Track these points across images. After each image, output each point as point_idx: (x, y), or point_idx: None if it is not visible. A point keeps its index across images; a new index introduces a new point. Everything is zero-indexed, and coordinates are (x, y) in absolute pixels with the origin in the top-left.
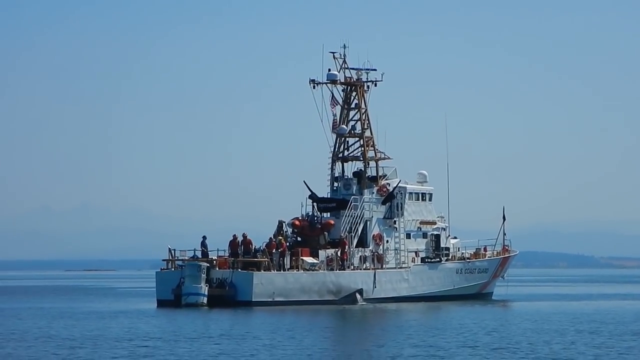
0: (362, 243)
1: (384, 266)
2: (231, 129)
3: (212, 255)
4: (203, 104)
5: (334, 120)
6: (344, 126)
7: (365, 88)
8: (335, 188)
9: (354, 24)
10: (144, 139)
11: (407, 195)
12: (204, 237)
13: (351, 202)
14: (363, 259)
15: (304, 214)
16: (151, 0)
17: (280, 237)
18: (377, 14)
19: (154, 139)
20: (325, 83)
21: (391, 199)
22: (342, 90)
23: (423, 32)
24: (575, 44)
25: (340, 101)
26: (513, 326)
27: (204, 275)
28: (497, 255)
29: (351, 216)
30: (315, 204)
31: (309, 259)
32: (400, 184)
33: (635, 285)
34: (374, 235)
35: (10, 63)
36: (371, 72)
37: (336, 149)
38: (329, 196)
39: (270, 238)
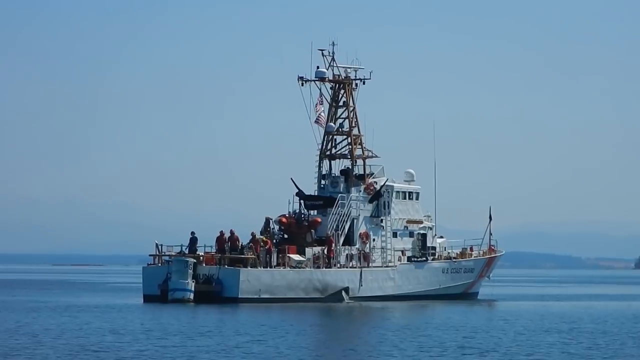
0: (349, 241)
1: (370, 265)
2: (219, 125)
3: (199, 251)
4: (190, 100)
5: (318, 115)
6: (332, 124)
7: (354, 86)
8: (322, 186)
9: (343, 21)
10: (133, 134)
11: (394, 193)
12: (193, 233)
13: (338, 200)
14: (349, 257)
15: (291, 211)
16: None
17: (262, 236)
18: (366, 11)
19: (143, 134)
20: (314, 80)
21: (378, 198)
22: (331, 88)
23: (412, 31)
24: (575, 37)
25: (329, 99)
26: (490, 325)
27: (190, 271)
28: (483, 255)
29: (338, 214)
30: (302, 201)
31: (296, 257)
32: (387, 183)
33: (620, 286)
34: (360, 233)
35: None
36: (359, 70)
37: (324, 147)
38: (316, 194)
39: (253, 233)
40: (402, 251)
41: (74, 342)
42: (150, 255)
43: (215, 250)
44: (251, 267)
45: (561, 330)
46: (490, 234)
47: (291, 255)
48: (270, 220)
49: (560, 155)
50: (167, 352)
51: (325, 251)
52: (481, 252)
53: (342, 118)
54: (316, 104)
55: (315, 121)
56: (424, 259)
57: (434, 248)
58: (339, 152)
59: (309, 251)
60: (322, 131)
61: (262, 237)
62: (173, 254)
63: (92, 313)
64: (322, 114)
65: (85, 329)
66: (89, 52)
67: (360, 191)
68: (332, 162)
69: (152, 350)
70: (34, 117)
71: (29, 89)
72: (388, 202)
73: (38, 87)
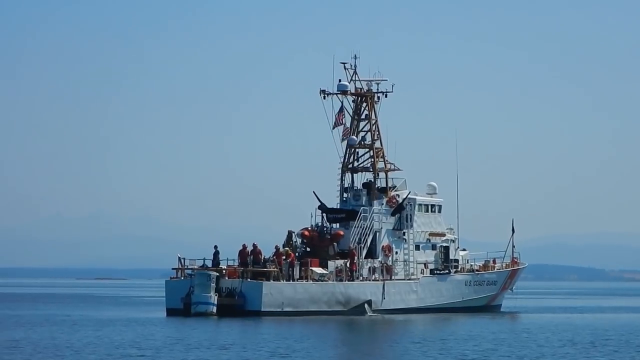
0: (371, 254)
1: (392, 277)
2: (242, 139)
3: (222, 265)
4: (215, 115)
5: (344, 129)
6: (354, 137)
7: (376, 99)
8: (344, 199)
9: (364, 34)
10: (156, 149)
11: (416, 206)
12: (216, 247)
13: (360, 213)
14: (372, 270)
15: (314, 225)
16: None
17: (287, 248)
18: (387, 25)
19: (166, 148)
20: (336, 93)
21: (400, 210)
22: (353, 101)
23: (434, 43)
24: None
25: (351, 112)
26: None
27: (213, 285)
28: (506, 268)
29: (360, 227)
30: (324, 214)
31: (318, 270)
32: (409, 196)
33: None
34: (383, 246)
35: (18, 69)
36: (381, 82)
37: (346, 160)
38: (338, 207)
39: (277, 247)
40: (425, 264)
41: (93, 357)
42: (173, 268)
43: (238, 264)
44: (274, 280)
45: (583, 342)
46: (513, 246)
47: (314, 269)
48: (293, 234)
49: (584, 167)
50: None
51: (348, 264)
52: (504, 265)
53: (364, 131)
54: (337, 116)
55: (342, 139)
56: (447, 271)
57: (456, 260)
58: (361, 165)
59: (331, 264)
60: (345, 144)
61: (286, 249)
62: (196, 267)
63: (114, 327)
64: (346, 128)
65: (108, 343)
66: (111, 72)
67: (382, 204)
68: (354, 175)
69: None
70: (57, 135)
71: (54, 107)
72: (410, 214)
73: (63, 106)
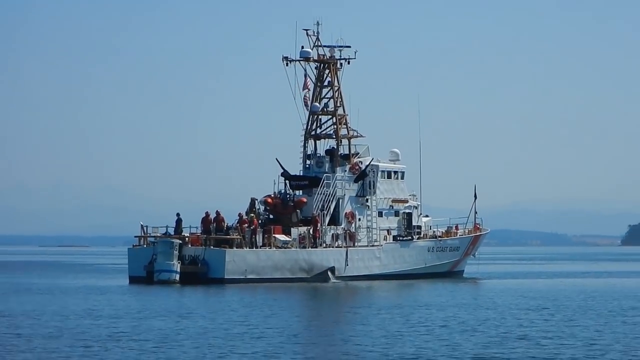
0: (335, 221)
1: (356, 244)
2: (204, 107)
3: (185, 232)
4: (176, 82)
5: (304, 97)
6: (317, 104)
7: (339, 66)
8: (307, 166)
9: (327, 1)
10: (119, 118)
11: (379, 173)
12: (178, 215)
13: (323, 180)
14: (335, 237)
15: (277, 192)
16: None
17: (252, 214)
18: None
19: (128, 118)
20: (299, 60)
21: (363, 177)
22: (315, 68)
23: (396, 10)
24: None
25: (314, 78)
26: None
27: (176, 252)
28: (468, 234)
29: (323, 194)
30: (287, 181)
31: (282, 237)
32: (372, 162)
33: (604, 263)
34: (346, 213)
35: None
36: (344, 49)
37: (309, 127)
38: (301, 174)
39: (240, 214)
40: (388, 230)
41: (51, 324)
42: (135, 236)
43: (200, 231)
44: (237, 248)
45: (542, 307)
46: (476, 212)
47: (277, 236)
48: (256, 201)
49: (546, 133)
50: (146, 334)
51: (311, 231)
52: (466, 231)
53: (327, 98)
54: (306, 83)
55: (304, 104)
56: (410, 238)
57: (419, 227)
58: (324, 132)
59: (294, 231)
60: (307, 111)
61: (251, 215)
62: (158, 235)
63: (75, 295)
64: (308, 95)
65: (66, 311)
66: (76, 41)
67: (345, 171)
68: (317, 142)
69: (132, 332)
70: (21, 103)
71: (17, 75)
72: (373, 181)
73: (26, 74)
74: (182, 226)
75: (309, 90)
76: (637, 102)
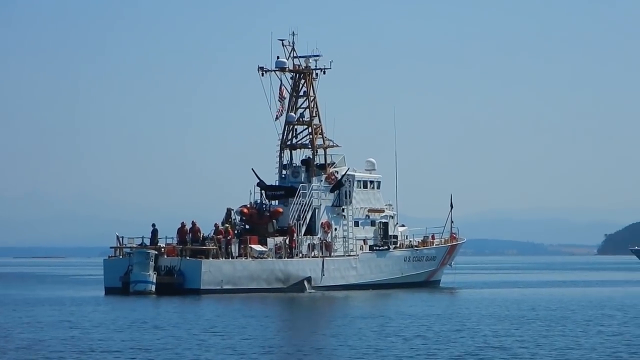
0: (311, 231)
1: (332, 254)
2: (179, 116)
3: (161, 243)
4: (152, 91)
5: (279, 109)
6: (293, 114)
7: (314, 76)
8: (283, 176)
9: (303, 11)
10: (93, 128)
11: (355, 183)
12: (154, 225)
13: (299, 190)
14: (311, 247)
15: (253, 202)
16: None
17: (227, 225)
18: (326, 1)
19: (103, 127)
20: (274, 70)
21: (339, 187)
22: (291, 78)
23: (372, 19)
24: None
25: (289, 88)
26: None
27: (152, 263)
28: (444, 243)
29: (299, 204)
30: (263, 191)
31: (258, 247)
32: (348, 172)
33: (580, 272)
34: (322, 223)
35: None
36: (320, 59)
37: (284, 137)
38: (277, 184)
39: (216, 224)
40: (364, 240)
41: (23, 336)
42: (111, 247)
43: (176, 242)
44: (213, 258)
45: (517, 316)
46: (452, 221)
47: (253, 246)
48: (232, 211)
49: (522, 142)
50: (120, 345)
51: (287, 241)
52: (443, 240)
53: (303, 108)
54: (280, 94)
55: (275, 117)
56: (386, 247)
57: (395, 236)
58: (299, 142)
59: (270, 241)
60: (281, 122)
61: (226, 226)
62: (134, 245)
63: (49, 306)
64: (283, 104)
65: (40, 322)
66: (52, 49)
67: (321, 181)
68: (293, 152)
69: (108, 343)
70: None
71: None
72: (349, 191)
73: (2, 82)
74: (158, 237)
75: (284, 99)
76: (613, 112)
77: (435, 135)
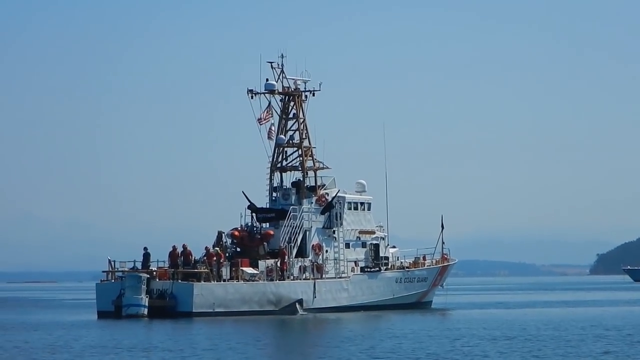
0: (302, 253)
1: (323, 276)
2: (169, 139)
3: (152, 267)
4: (142, 114)
5: (269, 129)
6: (282, 136)
7: (304, 98)
8: (274, 198)
9: (291, 33)
10: (85, 151)
11: (345, 204)
12: (146, 249)
13: (290, 212)
14: (303, 269)
15: (243, 225)
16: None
17: (218, 248)
18: (314, 24)
19: (94, 151)
20: (263, 93)
21: (330, 209)
22: (281, 100)
23: (360, 40)
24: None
25: (279, 111)
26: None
27: (144, 287)
28: (436, 264)
29: (290, 226)
30: (254, 214)
31: (249, 270)
32: (339, 194)
33: (572, 292)
34: (313, 245)
35: None
36: (309, 81)
37: (275, 159)
38: (267, 206)
39: (207, 248)
40: (355, 262)
41: None
42: (103, 271)
43: (168, 265)
44: (205, 281)
45: (509, 337)
46: (443, 242)
47: (244, 269)
48: (223, 234)
49: (513, 161)
50: None
51: (279, 263)
52: (434, 261)
53: (293, 130)
54: (262, 115)
55: (267, 137)
56: (377, 269)
57: (386, 258)
58: (289, 165)
59: (262, 264)
60: (273, 144)
61: (216, 249)
62: (126, 269)
63: (42, 331)
64: (273, 127)
65: (31, 347)
66: (52, 74)
67: (312, 203)
68: (283, 174)
69: None
70: None
71: None
72: (340, 213)
73: None
74: (150, 260)
75: (268, 121)
76: (605, 132)
77: (425, 156)
